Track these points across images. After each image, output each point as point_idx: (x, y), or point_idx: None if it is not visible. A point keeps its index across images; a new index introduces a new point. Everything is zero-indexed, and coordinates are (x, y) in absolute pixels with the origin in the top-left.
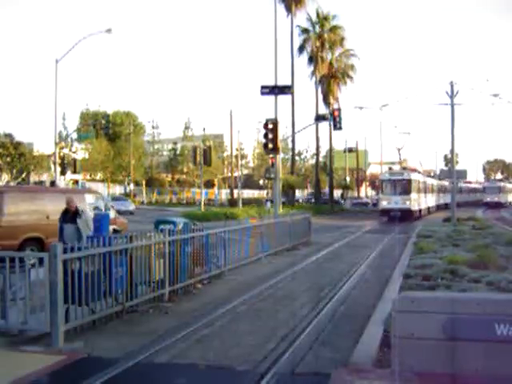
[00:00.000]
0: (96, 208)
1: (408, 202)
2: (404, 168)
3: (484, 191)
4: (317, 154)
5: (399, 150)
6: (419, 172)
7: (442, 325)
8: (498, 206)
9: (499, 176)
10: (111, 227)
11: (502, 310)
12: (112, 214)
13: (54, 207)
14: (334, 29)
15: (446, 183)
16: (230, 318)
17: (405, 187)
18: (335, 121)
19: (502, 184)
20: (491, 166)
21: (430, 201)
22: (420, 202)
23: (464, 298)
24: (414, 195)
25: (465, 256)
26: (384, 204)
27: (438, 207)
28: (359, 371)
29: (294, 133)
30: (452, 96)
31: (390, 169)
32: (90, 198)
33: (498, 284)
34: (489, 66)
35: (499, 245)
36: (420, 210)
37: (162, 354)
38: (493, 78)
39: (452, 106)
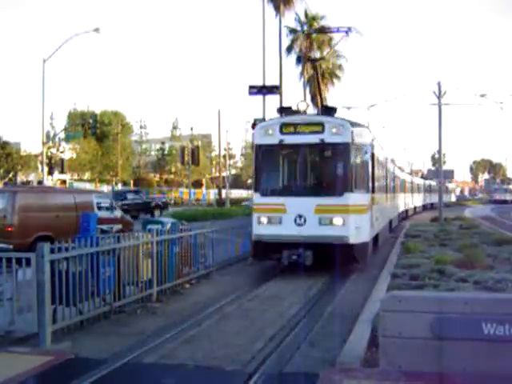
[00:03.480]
0: (101, 208)
1: (340, 221)
2: (329, 109)
3: (494, 191)
4: None
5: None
6: (370, 131)
7: (429, 324)
8: (504, 202)
9: (486, 176)
10: (116, 226)
11: (490, 309)
12: (118, 213)
13: (62, 207)
14: (322, 29)
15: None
16: (218, 317)
17: (330, 171)
18: None
19: (509, 186)
20: (478, 166)
21: (397, 206)
22: (374, 215)
23: (451, 298)
24: (357, 196)
25: (452, 255)
26: (262, 226)
27: (415, 211)
28: (347, 371)
29: None
30: (439, 96)
31: (284, 110)
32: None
33: (485, 283)
34: (477, 66)
35: (486, 244)
36: (377, 237)
37: (150, 354)
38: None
39: (439, 106)
